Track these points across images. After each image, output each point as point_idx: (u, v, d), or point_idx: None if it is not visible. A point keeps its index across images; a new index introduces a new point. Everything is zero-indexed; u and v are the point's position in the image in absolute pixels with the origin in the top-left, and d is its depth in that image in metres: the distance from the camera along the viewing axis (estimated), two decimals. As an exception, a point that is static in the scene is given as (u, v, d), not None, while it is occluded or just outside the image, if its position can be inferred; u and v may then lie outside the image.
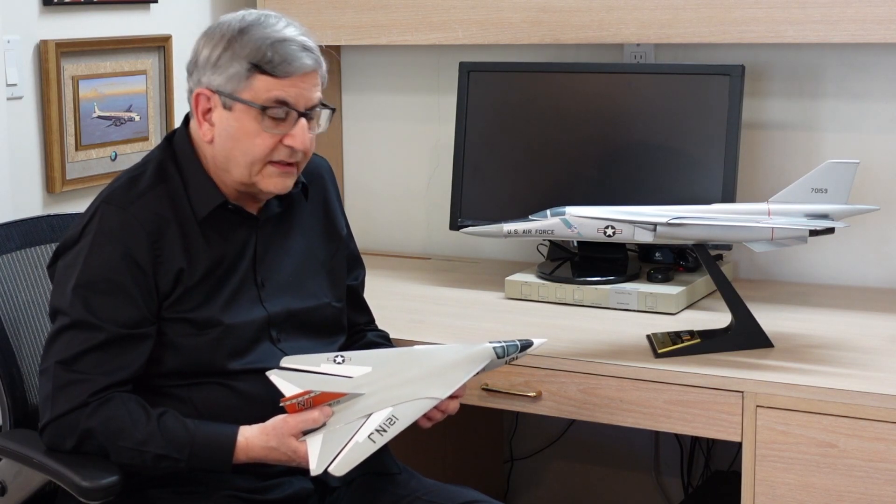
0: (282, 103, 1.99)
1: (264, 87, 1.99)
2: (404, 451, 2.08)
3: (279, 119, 2.00)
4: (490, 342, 2.01)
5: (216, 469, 1.96)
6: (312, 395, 1.91)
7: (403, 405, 1.94)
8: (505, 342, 2.02)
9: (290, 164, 2.03)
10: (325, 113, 2.07)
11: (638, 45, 2.84)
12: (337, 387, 1.93)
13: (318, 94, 2.03)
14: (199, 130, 2.05)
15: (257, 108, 1.98)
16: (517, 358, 2.04)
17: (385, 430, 1.91)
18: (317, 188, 2.22)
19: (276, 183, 2.03)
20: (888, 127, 2.70)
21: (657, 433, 3.03)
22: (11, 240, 2.27)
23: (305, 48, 2.00)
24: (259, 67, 1.98)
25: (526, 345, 2.03)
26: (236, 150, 2.02)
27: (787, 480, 2.07)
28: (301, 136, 2.00)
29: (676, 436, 2.97)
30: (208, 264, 2.03)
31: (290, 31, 2.01)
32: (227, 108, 2.01)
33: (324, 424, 1.91)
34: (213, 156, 2.05)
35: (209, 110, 2.03)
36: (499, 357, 2.01)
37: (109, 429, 1.92)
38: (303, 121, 2.00)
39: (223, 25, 2.03)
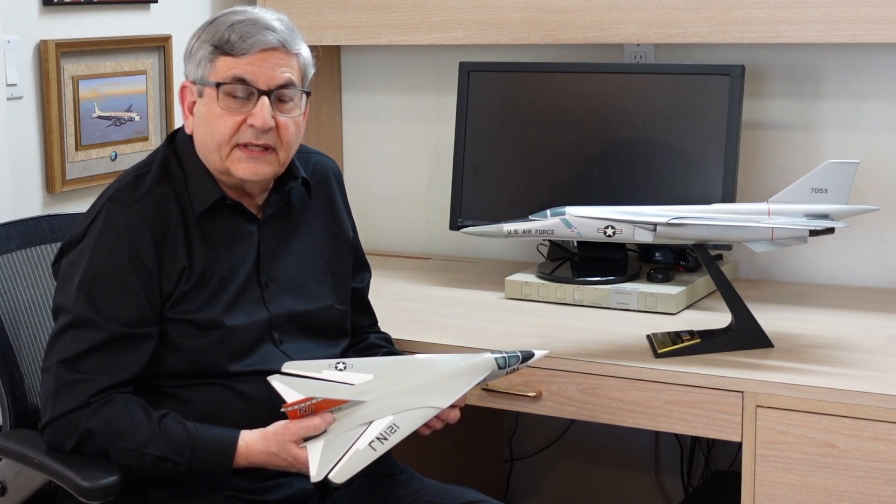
0: (240, 80, 1.99)
1: (225, 67, 2.00)
2: (404, 451, 2.08)
3: (240, 99, 2.00)
4: (492, 352, 2.02)
5: (216, 472, 1.96)
6: (314, 401, 1.90)
7: (404, 413, 1.94)
8: (507, 353, 2.02)
9: (259, 148, 2.01)
10: (301, 96, 2.05)
11: (638, 45, 2.84)
12: (339, 394, 1.93)
13: (285, 75, 2.02)
14: (185, 123, 2.06)
15: (213, 86, 1.99)
16: (518, 369, 2.04)
17: (386, 439, 1.91)
18: (322, 189, 2.22)
19: (246, 168, 2.02)
20: (888, 127, 2.70)
21: (657, 433, 3.03)
22: (12, 240, 2.27)
23: (268, 28, 2.00)
24: (220, 48, 2.00)
25: (527, 356, 2.04)
26: (206, 135, 2.03)
27: (787, 480, 2.07)
28: (260, 114, 1.99)
29: (676, 436, 2.97)
30: (210, 263, 2.03)
31: (258, 14, 2.03)
32: (200, 95, 2.03)
33: (325, 431, 1.91)
34: (197, 147, 2.05)
35: (193, 103, 2.05)
36: (500, 368, 2.01)
37: (110, 429, 1.92)
38: (264, 99, 1.99)
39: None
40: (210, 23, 2.05)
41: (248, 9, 2.07)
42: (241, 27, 2.00)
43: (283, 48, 2.01)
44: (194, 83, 2.05)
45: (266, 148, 2.01)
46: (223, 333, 2.02)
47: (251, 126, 1.99)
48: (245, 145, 2.01)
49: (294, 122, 2.04)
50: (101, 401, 1.93)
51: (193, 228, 2.03)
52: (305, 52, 2.07)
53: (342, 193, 2.27)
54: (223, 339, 2.02)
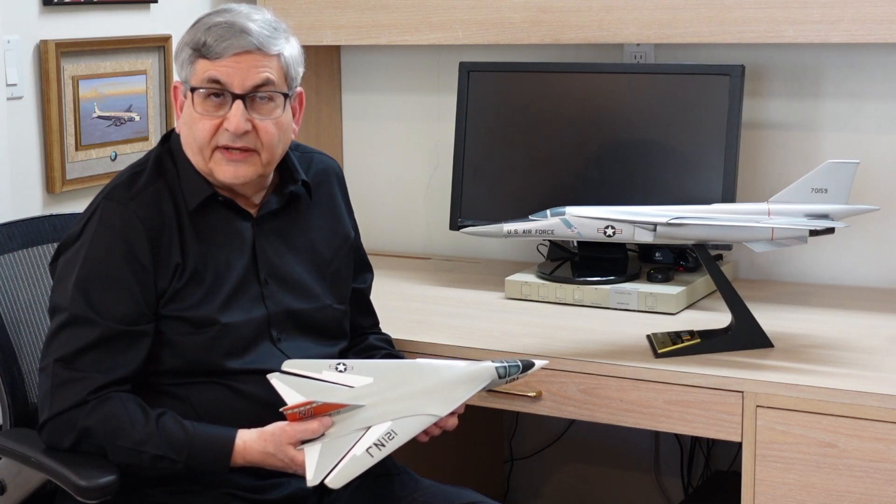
0: (214, 82, 1.99)
1: (201, 70, 2.00)
2: (404, 451, 2.07)
3: (217, 101, 1.99)
4: (493, 361, 2.02)
5: (213, 471, 1.96)
6: (314, 405, 1.90)
7: (403, 420, 1.93)
8: (507, 362, 2.02)
9: (238, 151, 2.00)
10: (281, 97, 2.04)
11: (638, 45, 2.84)
12: (338, 397, 1.93)
13: (262, 75, 2.00)
14: (177, 122, 2.08)
15: (188, 88, 2.00)
16: (517, 378, 2.04)
17: (383, 445, 1.91)
18: (324, 188, 2.21)
19: (227, 171, 2.02)
20: (888, 127, 2.70)
21: (657, 433, 3.03)
22: (13, 239, 2.27)
23: (244, 31, 1.99)
24: (198, 51, 2.01)
25: (527, 365, 2.04)
26: (189, 136, 2.04)
27: (787, 480, 2.07)
28: (234, 118, 1.98)
29: (676, 436, 2.97)
30: (203, 259, 2.03)
31: (236, 17, 2.00)
32: (185, 96, 2.04)
33: (322, 434, 1.91)
34: (184, 147, 2.06)
35: (184, 102, 2.05)
36: (500, 377, 2.01)
37: (108, 428, 1.92)
38: (238, 103, 1.98)
39: None
40: (194, 24, 2.04)
41: (233, 7, 2.04)
42: (218, 30, 1.99)
43: (260, 51, 1.99)
44: (182, 84, 2.05)
45: (246, 150, 2.01)
46: (218, 331, 2.02)
47: (227, 130, 1.99)
48: (226, 148, 2.01)
49: (276, 123, 2.03)
50: (98, 399, 1.94)
51: (187, 225, 2.03)
52: (289, 51, 2.04)
53: (344, 193, 2.27)
54: (218, 336, 2.02)
